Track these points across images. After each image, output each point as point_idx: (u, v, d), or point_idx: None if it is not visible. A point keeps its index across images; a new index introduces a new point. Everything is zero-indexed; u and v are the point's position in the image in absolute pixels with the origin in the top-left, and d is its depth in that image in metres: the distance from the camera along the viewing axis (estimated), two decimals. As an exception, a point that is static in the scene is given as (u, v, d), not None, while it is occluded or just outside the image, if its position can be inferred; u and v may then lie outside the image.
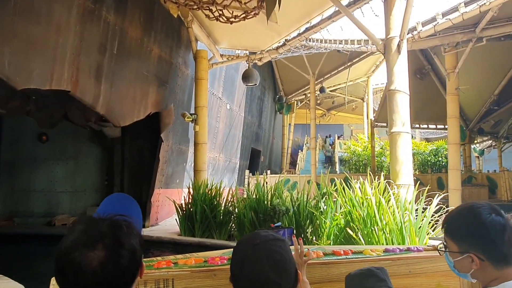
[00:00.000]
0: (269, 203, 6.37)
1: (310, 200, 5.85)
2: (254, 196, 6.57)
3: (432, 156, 19.72)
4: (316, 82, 18.11)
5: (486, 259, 1.28)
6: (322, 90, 19.28)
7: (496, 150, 22.06)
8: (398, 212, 4.27)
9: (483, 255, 1.28)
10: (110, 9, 6.61)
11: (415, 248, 2.31)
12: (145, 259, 2.01)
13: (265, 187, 6.59)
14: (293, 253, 1.29)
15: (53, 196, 9.81)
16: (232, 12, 6.67)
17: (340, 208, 5.32)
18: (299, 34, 7.97)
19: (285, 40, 8.62)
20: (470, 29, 8.22)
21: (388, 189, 4.65)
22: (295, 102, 22.92)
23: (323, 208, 5.55)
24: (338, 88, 23.79)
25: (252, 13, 6.52)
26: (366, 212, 4.56)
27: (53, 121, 7.61)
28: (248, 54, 8.98)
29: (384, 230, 4.32)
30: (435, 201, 4.34)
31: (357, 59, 17.91)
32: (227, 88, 13.07)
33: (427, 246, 2.43)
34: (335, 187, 5.48)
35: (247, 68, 8.68)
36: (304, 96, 22.40)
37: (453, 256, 1.37)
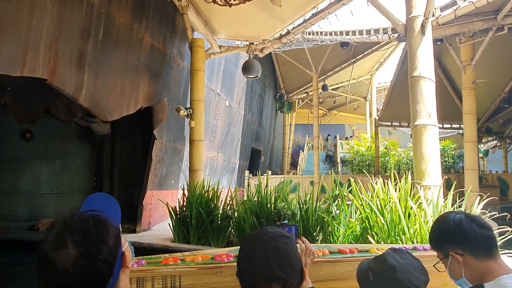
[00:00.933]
0: (272, 206, 5.66)
1: (320, 203, 5.13)
2: (255, 199, 5.86)
3: (438, 156, 19.02)
4: (318, 80, 17.44)
5: (464, 252, 1.39)
6: (324, 87, 18.58)
7: (501, 150, 21.46)
8: (432, 218, 3.55)
9: (459, 249, 1.40)
10: (94, -11, 5.90)
11: (421, 248, 2.35)
12: (152, 256, 2.11)
13: (268, 188, 5.86)
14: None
15: (37, 198, 9.08)
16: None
17: (356, 212, 4.62)
18: (304, 21, 7.26)
19: (287, 30, 7.90)
20: (491, 16, 7.52)
21: (417, 191, 3.95)
22: (296, 100, 22.21)
23: (335, 213, 4.84)
24: (341, 87, 23.13)
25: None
26: (390, 218, 3.86)
27: (33, 116, 6.90)
28: (248, 44, 8.28)
29: (413, 240, 3.61)
30: (479, 205, 3.63)
31: (361, 55, 17.24)
32: (226, 84, 12.36)
33: None
34: (349, 189, 4.79)
35: (248, 59, 7.98)
36: (305, 95, 21.71)
37: (444, 264, 1.47)
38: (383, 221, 3.94)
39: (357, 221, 4.48)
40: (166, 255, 2.07)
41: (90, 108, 6.14)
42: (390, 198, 4.03)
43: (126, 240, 1.14)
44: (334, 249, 2.23)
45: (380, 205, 4.12)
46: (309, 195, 5.31)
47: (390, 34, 7.97)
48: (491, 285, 1.31)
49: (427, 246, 2.32)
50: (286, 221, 4.59)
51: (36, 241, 7.67)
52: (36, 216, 8.91)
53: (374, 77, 22.49)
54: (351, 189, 4.83)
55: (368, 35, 8.74)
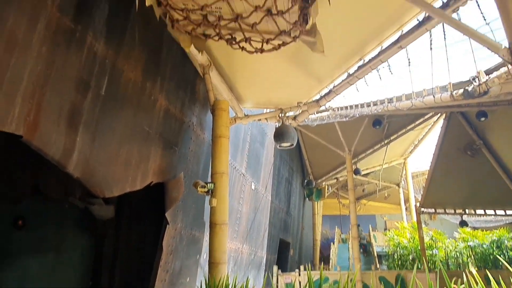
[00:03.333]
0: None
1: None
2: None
3: (493, 248, 16.52)
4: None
5: None
6: (357, 171, 17.09)
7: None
8: None
9: None
10: (98, 36, 4.86)
11: None
12: None
13: None
14: None
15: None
16: (265, 40, 4.84)
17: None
18: (349, 76, 6.06)
19: (329, 89, 6.70)
20: None
21: None
22: (326, 186, 20.58)
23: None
24: (371, 172, 21.64)
25: (292, 34, 4.65)
26: None
27: (17, 194, 5.53)
28: (280, 109, 7.06)
29: None
30: None
31: (395, 135, 16.03)
32: (252, 164, 10.99)
33: None
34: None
35: (281, 124, 6.68)
36: (335, 181, 20.14)
37: None
38: None
39: None
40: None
41: (83, 179, 4.74)
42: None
43: None
44: None
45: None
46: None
47: (453, 91, 6.63)
48: None
49: None
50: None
51: None
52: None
53: (408, 160, 21.01)
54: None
55: (421, 97, 7.44)
